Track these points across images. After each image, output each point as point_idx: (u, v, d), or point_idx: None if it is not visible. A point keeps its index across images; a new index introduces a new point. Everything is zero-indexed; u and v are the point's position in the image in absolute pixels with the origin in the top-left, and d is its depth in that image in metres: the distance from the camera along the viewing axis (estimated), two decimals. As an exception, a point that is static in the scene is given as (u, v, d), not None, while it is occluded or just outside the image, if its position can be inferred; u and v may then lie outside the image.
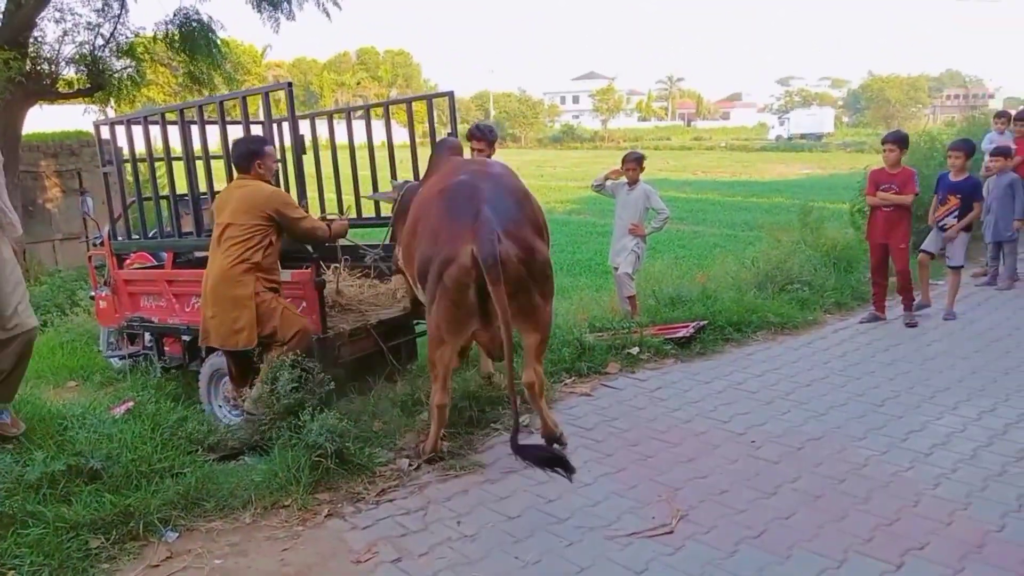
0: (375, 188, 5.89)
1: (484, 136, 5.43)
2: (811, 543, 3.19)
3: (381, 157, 6.06)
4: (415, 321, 5.52)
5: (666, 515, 3.44)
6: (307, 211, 4.77)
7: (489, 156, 5.20)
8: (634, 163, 6.58)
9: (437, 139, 5.66)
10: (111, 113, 12.61)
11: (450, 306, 3.77)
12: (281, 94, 4.87)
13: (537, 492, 3.71)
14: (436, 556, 3.17)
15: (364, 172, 6.24)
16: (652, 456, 4.10)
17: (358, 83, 61.29)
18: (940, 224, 6.87)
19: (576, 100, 79.86)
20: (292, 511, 3.57)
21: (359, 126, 6.30)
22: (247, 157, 4.56)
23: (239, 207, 4.47)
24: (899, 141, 6.60)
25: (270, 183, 4.67)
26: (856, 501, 3.54)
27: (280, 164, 4.97)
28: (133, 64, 12.78)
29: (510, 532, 3.34)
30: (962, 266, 7.03)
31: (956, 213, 6.76)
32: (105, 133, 6.09)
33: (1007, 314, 6.85)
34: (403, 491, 3.77)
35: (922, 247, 7.09)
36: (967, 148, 6.93)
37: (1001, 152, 7.26)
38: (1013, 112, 9.38)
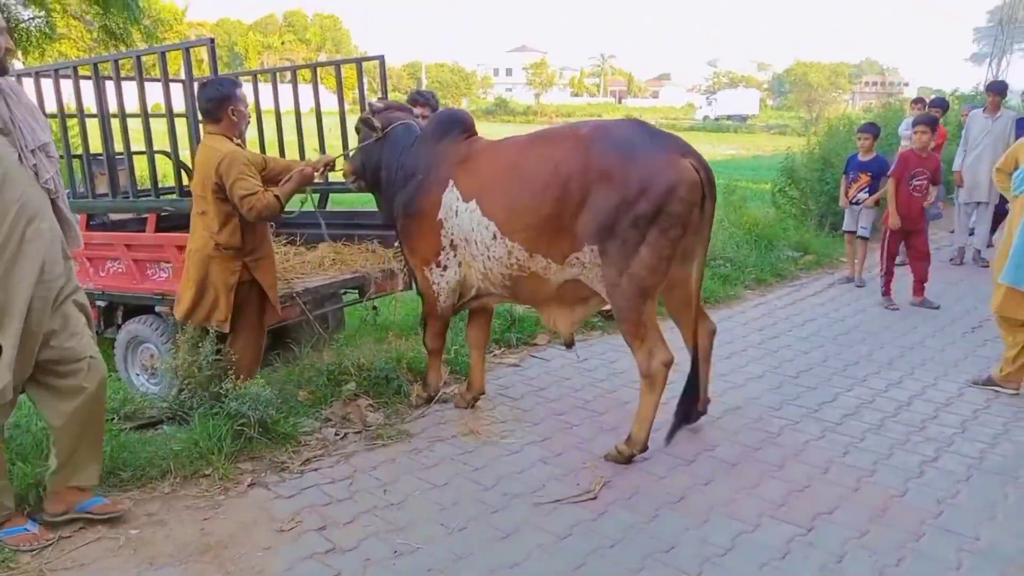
0: (302, 156, 5.64)
1: (428, 102, 5.24)
2: (728, 508, 3.31)
3: (308, 124, 5.88)
4: (343, 291, 5.42)
5: (590, 482, 3.51)
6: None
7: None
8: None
9: (367, 106, 5.46)
10: (19, 67, 11.88)
11: (677, 238, 3.41)
12: (204, 53, 4.66)
13: (464, 460, 3.73)
14: (361, 524, 3.16)
15: (290, 138, 6.06)
16: (578, 425, 4.17)
17: (283, 43, 59.38)
18: (853, 201, 7.24)
19: (509, 72, 79.44)
20: (213, 480, 3.49)
21: (285, 91, 6.08)
22: (216, 103, 3.71)
23: (196, 173, 3.85)
24: (930, 123, 6.69)
25: (241, 137, 3.91)
26: (770, 468, 3.69)
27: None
28: (43, 14, 12.05)
29: (437, 500, 3.36)
30: (868, 237, 7.42)
31: (867, 189, 7.16)
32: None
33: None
34: (328, 460, 3.73)
35: (844, 228, 7.50)
36: (874, 130, 7.32)
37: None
38: (928, 99, 9.84)
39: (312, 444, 3.88)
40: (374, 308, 5.51)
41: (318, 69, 6.17)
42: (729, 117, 49.48)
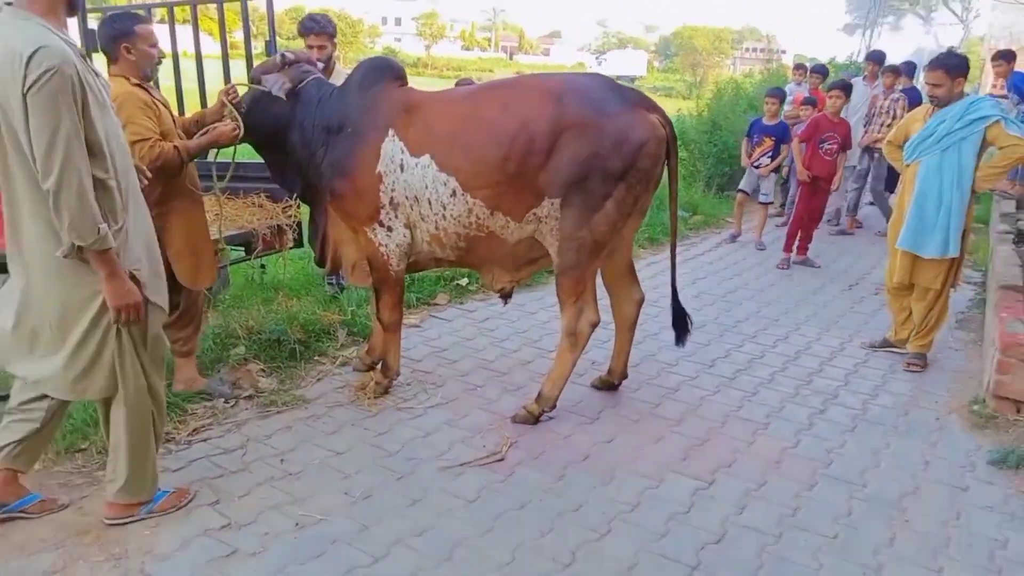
0: (181, 110, 5.08)
1: (324, 29, 4.56)
2: (632, 464, 3.35)
3: (187, 68, 5.41)
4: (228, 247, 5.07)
5: (497, 444, 3.47)
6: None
7: (331, 54, 4.59)
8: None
9: (229, 48, 4.91)
10: None
11: (641, 194, 3.43)
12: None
13: (365, 426, 3.60)
14: (258, 497, 2.99)
15: (167, 83, 5.59)
16: (482, 386, 4.11)
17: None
18: (755, 164, 7.38)
19: (399, 22, 77.22)
20: (90, 455, 3.21)
21: (161, 32, 5.52)
22: (109, 40, 3.28)
23: None
24: (844, 88, 6.81)
25: (147, 78, 3.36)
26: (671, 423, 3.76)
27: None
28: None
29: (338, 468, 3.22)
30: (771, 202, 7.66)
31: (770, 154, 7.30)
32: None
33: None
34: (219, 429, 3.51)
35: (740, 187, 7.68)
36: (781, 95, 7.48)
37: (809, 102, 7.84)
38: (809, 65, 10.19)
39: (199, 413, 3.64)
40: (262, 267, 5.21)
41: (198, 9, 5.67)
42: (618, 77, 50.04)
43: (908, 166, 4.51)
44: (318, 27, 4.52)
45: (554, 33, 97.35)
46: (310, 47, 4.50)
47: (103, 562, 2.59)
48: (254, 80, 3.78)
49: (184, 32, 4.99)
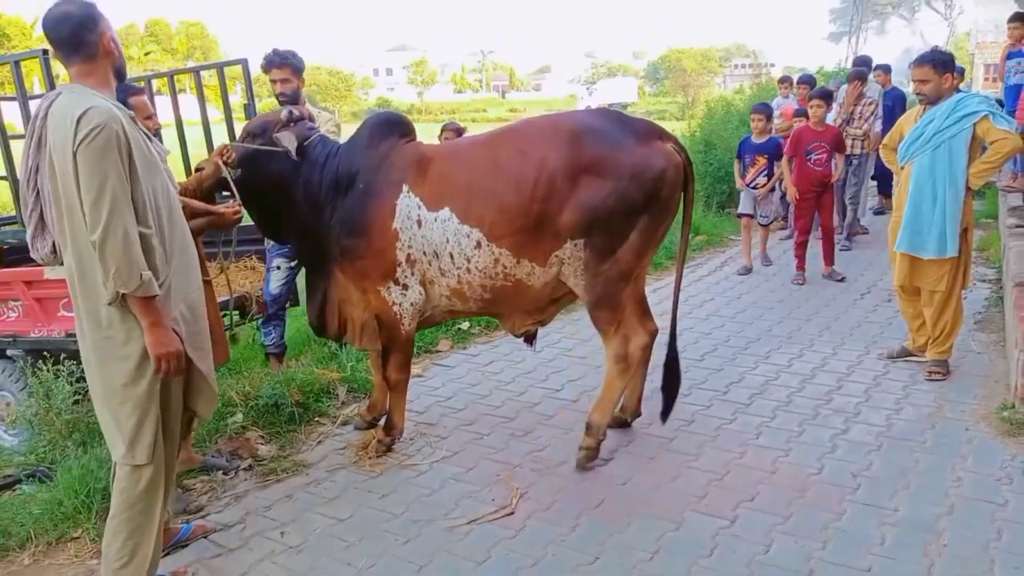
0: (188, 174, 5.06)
1: (286, 61, 4.35)
2: (649, 507, 3.19)
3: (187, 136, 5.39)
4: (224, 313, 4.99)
5: (506, 496, 3.31)
6: None
7: (297, 88, 4.40)
8: (452, 133, 6.36)
9: (232, 112, 5.00)
10: None
11: (663, 222, 3.42)
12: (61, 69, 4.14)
13: (368, 488, 3.45)
14: (258, 575, 2.83)
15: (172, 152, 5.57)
16: (488, 434, 3.96)
17: (147, 54, 56.32)
18: (751, 184, 7.10)
19: (390, 72, 78.24)
20: (83, 543, 3.07)
21: (162, 102, 5.52)
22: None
23: None
24: (825, 97, 6.65)
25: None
26: (687, 458, 3.60)
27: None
28: None
29: (341, 536, 3.07)
30: (772, 220, 7.49)
31: (765, 172, 7.02)
32: None
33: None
34: (218, 504, 3.38)
35: (740, 212, 7.37)
36: (767, 111, 7.25)
37: (801, 114, 7.72)
38: (794, 77, 10.13)
39: (198, 488, 3.51)
40: (258, 329, 5.11)
41: (181, 77, 5.68)
42: (610, 105, 50.44)
43: (903, 168, 4.39)
44: (280, 60, 4.34)
45: (544, 68, 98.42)
46: (274, 82, 4.38)
47: (94, 662, 2.44)
48: (253, 136, 3.63)
49: (184, 101, 5.02)
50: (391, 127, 3.62)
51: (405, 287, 3.51)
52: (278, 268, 4.56)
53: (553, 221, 3.28)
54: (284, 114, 3.64)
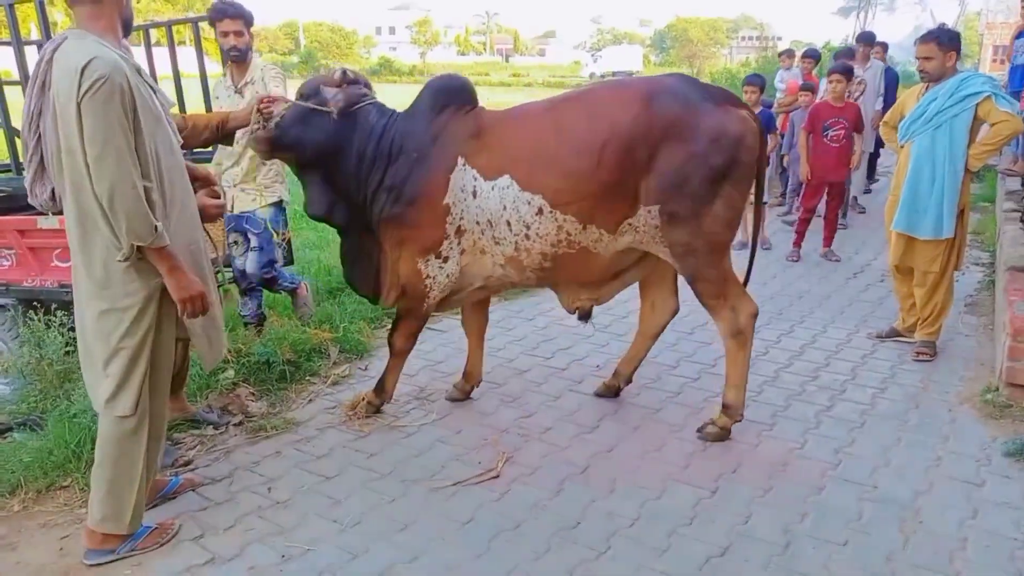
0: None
1: (240, 13, 4.08)
2: (632, 475, 3.23)
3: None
4: (217, 270, 4.96)
5: (492, 459, 3.35)
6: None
7: (249, 43, 4.20)
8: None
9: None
10: None
11: (746, 188, 3.30)
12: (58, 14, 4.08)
13: (356, 447, 3.49)
14: (244, 528, 2.88)
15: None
16: (477, 399, 4.00)
17: (146, 5, 55.53)
18: None
19: (393, 31, 77.35)
20: (73, 493, 3.10)
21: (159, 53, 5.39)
22: None
23: None
24: (846, 72, 6.48)
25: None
26: (672, 429, 3.64)
27: None
28: None
29: (328, 494, 3.11)
30: (767, 202, 7.42)
31: None
32: None
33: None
34: (206, 458, 3.41)
35: None
36: (759, 82, 7.12)
37: (807, 88, 7.66)
38: (798, 51, 10.04)
39: (187, 441, 3.54)
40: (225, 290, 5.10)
41: (180, 28, 5.59)
42: (615, 73, 49.88)
43: (902, 147, 4.39)
44: (234, 10, 4.07)
45: (548, 33, 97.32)
46: (224, 34, 4.11)
47: (81, 607, 2.49)
48: (306, 95, 3.45)
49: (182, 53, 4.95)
50: (451, 94, 3.44)
51: (445, 259, 3.42)
52: (235, 243, 4.44)
53: (625, 186, 3.18)
54: (337, 74, 3.47)
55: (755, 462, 3.31)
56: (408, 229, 3.40)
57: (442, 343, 4.80)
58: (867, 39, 8.30)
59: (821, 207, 6.78)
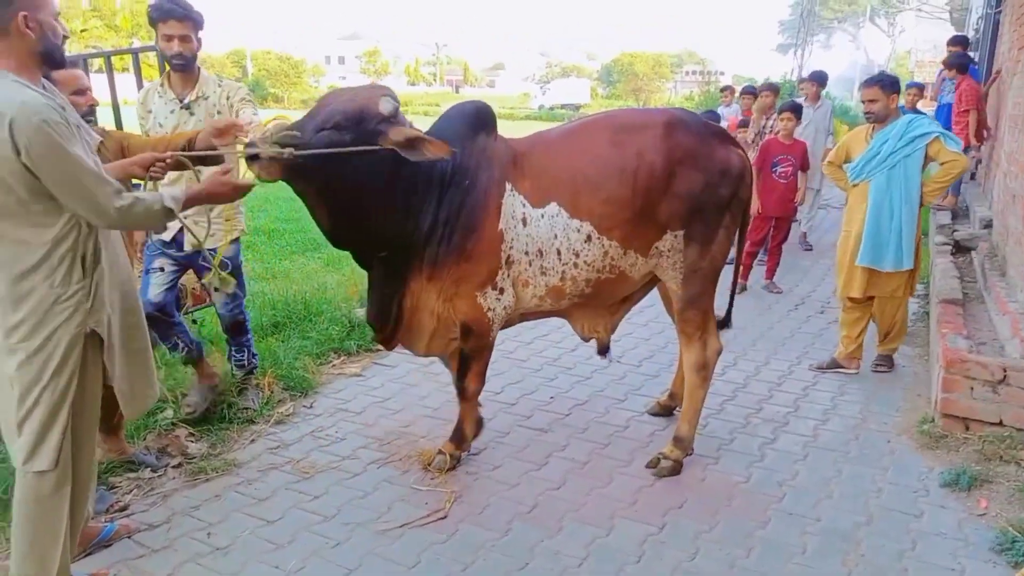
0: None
1: (189, 15, 3.54)
2: (580, 512, 3.23)
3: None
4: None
5: (440, 500, 3.31)
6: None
7: (195, 52, 3.64)
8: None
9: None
10: None
11: (739, 221, 3.57)
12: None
13: (300, 489, 3.41)
14: (182, 577, 2.78)
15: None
16: (425, 436, 3.95)
17: (88, 31, 54.54)
18: None
19: (342, 61, 77.26)
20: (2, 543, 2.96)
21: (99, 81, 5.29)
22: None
23: None
24: (795, 110, 6.70)
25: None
26: (620, 464, 3.65)
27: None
28: None
29: (269, 538, 3.03)
30: None
31: None
32: None
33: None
34: (143, 503, 3.29)
35: None
36: (713, 117, 7.33)
37: (744, 125, 7.86)
38: (738, 88, 10.33)
39: (123, 486, 3.41)
40: (194, 322, 4.99)
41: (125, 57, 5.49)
42: (563, 106, 50.60)
43: (855, 185, 4.58)
44: (182, 11, 3.51)
45: (498, 65, 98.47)
46: (167, 38, 3.53)
47: (4, 669, 2.35)
48: (341, 127, 2.90)
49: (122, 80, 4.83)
50: (482, 120, 3.32)
51: (502, 291, 3.32)
52: (161, 270, 3.76)
53: (655, 211, 3.31)
54: (388, 107, 2.97)
55: (701, 496, 3.33)
56: (467, 262, 3.23)
57: (390, 378, 4.75)
58: (819, 79, 8.33)
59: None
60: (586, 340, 3.80)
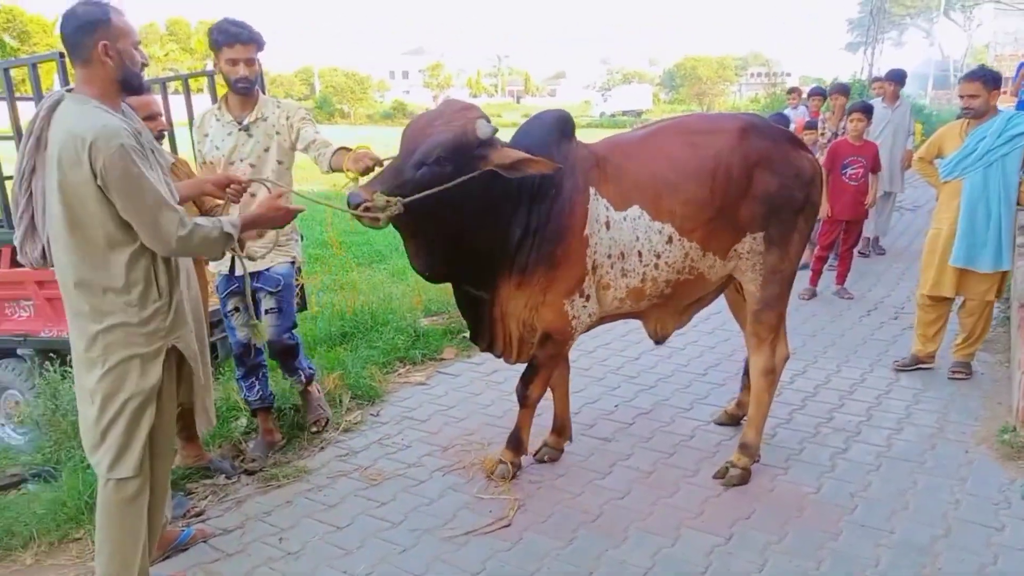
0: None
1: (254, 39, 3.51)
2: (645, 522, 3.20)
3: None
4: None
5: (504, 507, 3.33)
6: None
7: (258, 75, 3.65)
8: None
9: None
10: None
11: (811, 226, 3.63)
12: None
13: (368, 496, 3.48)
14: (255, 581, 2.87)
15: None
16: (489, 444, 3.98)
17: (167, 54, 56.86)
18: None
19: (406, 75, 78.61)
20: (85, 545, 3.12)
21: (177, 102, 5.51)
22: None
23: None
24: (866, 111, 6.61)
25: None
26: (686, 474, 3.61)
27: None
28: None
29: (339, 544, 3.10)
30: None
31: None
32: None
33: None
34: (218, 508, 3.41)
35: None
36: (783, 121, 7.21)
37: (811, 127, 7.69)
38: (805, 89, 10.09)
39: (199, 491, 3.55)
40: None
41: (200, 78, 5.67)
42: (624, 112, 50.39)
43: (947, 183, 4.53)
44: (246, 35, 3.47)
45: (559, 74, 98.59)
46: (232, 62, 3.48)
47: (92, 664, 2.48)
48: (442, 160, 2.89)
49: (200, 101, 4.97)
50: (565, 126, 3.33)
51: (588, 298, 3.32)
52: (236, 310, 3.73)
53: (734, 214, 3.34)
54: (486, 131, 2.93)
55: (770, 507, 3.27)
56: (556, 269, 3.23)
57: (454, 387, 4.80)
58: (897, 77, 7.91)
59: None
60: (656, 341, 3.76)
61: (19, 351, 4.47)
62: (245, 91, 3.57)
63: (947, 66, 46.51)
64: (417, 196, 2.82)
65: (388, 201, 2.79)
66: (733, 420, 4.10)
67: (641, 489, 3.48)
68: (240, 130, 3.62)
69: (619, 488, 3.49)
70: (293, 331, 3.89)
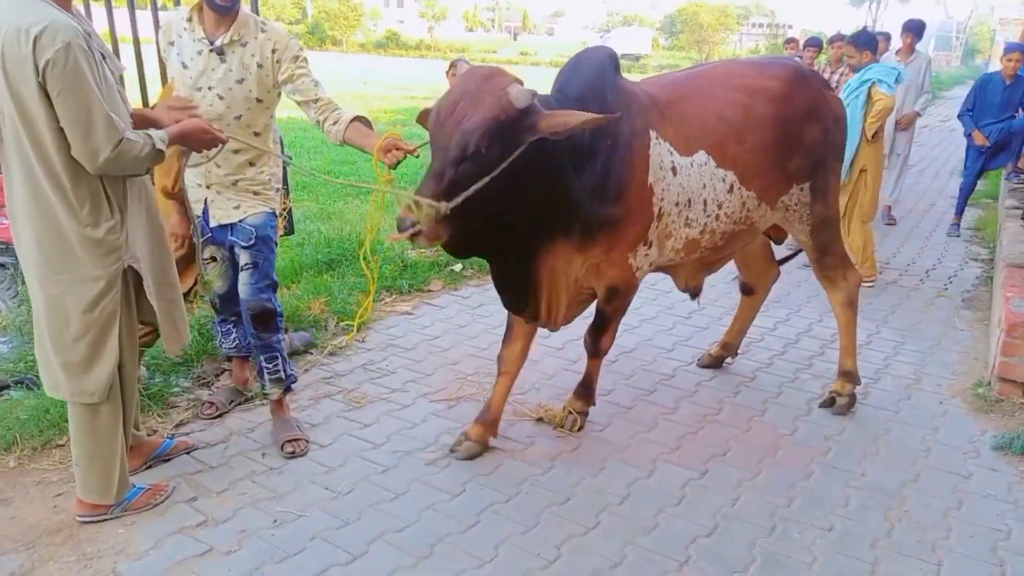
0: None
1: None
2: (623, 454, 3.26)
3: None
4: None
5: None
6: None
7: None
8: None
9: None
10: None
11: (839, 169, 3.72)
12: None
13: (351, 418, 3.52)
14: (237, 492, 2.91)
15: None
16: (472, 374, 4.02)
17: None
18: None
19: (401, 5, 76.69)
20: (67, 451, 3.09)
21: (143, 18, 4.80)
22: None
23: None
24: (816, 45, 7.07)
25: None
26: (664, 411, 3.67)
27: None
28: None
29: (321, 462, 3.14)
30: None
31: None
32: None
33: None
34: (201, 423, 3.44)
35: None
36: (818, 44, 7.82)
37: None
38: (802, 40, 9.91)
39: (183, 405, 3.57)
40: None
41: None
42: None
43: None
44: None
45: (557, 12, 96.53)
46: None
47: (74, 562, 2.52)
48: (507, 118, 2.50)
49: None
50: (613, 66, 2.96)
51: (651, 245, 3.09)
52: (213, 260, 3.34)
53: (786, 164, 3.35)
54: (523, 99, 2.51)
55: (745, 446, 3.34)
56: (620, 226, 2.95)
57: (440, 318, 4.82)
58: (914, 28, 7.10)
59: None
60: (690, 294, 3.75)
61: (1, 259, 4.42)
62: (224, 11, 2.93)
63: (951, 26, 45.95)
64: (464, 195, 2.48)
65: (434, 208, 2.46)
66: (716, 362, 4.15)
67: (620, 423, 3.54)
68: (211, 51, 2.97)
69: (598, 422, 3.54)
70: (273, 291, 3.27)
